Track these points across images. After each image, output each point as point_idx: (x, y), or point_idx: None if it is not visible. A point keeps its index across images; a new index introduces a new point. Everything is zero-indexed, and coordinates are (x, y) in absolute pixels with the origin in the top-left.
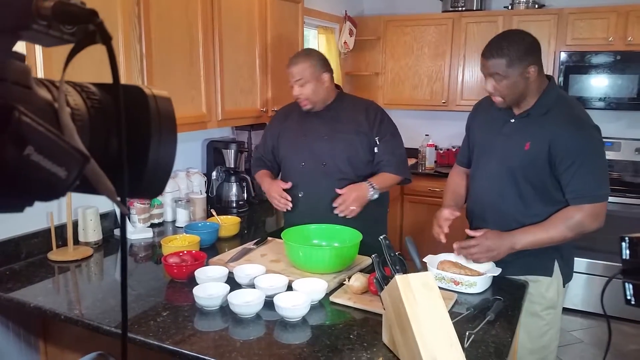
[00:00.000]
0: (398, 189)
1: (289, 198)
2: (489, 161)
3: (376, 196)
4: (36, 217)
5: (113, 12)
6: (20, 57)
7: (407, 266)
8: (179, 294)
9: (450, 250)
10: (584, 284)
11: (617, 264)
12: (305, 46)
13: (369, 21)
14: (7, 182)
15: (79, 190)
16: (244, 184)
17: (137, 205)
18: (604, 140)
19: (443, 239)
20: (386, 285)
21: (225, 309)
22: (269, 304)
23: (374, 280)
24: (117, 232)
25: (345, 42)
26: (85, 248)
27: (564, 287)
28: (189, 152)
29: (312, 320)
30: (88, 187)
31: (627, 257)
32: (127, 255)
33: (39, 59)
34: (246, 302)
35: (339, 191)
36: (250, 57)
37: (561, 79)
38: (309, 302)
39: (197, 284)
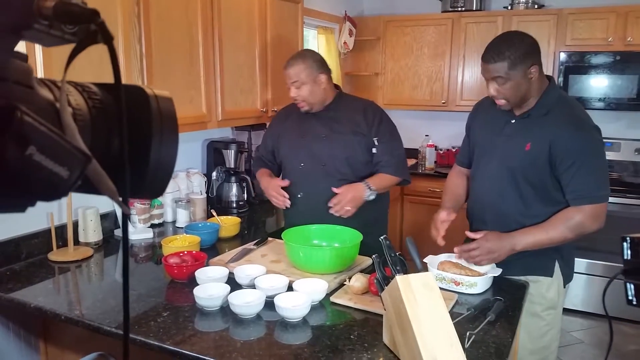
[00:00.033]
0: (398, 190)
1: (287, 195)
2: (489, 161)
3: (372, 197)
4: (36, 217)
5: (113, 12)
6: (22, 57)
7: (408, 266)
8: (180, 294)
9: (451, 251)
10: (584, 284)
11: (617, 265)
12: (305, 46)
13: (369, 21)
14: (9, 182)
15: (80, 190)
16: (244, 184)
17: (137, 206)
18: (604, 140)
19: (440, 242)
20: (387, 285)
21: (225, 310)
22: (269, 304)
23: (375, 281)
24: (117, 232)
25: (345, 42)
26: (85, 248)
27: (564, 287)
28: (189, 152)
29: (313, 320)
30: (90, 187)
31: (629, 258)
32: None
33: (39, 59)
34: (246, 303)
35: (335, 190)
36: (250, 57)
37: (561, 79)
38: (310, 303)
39: (197, 285)
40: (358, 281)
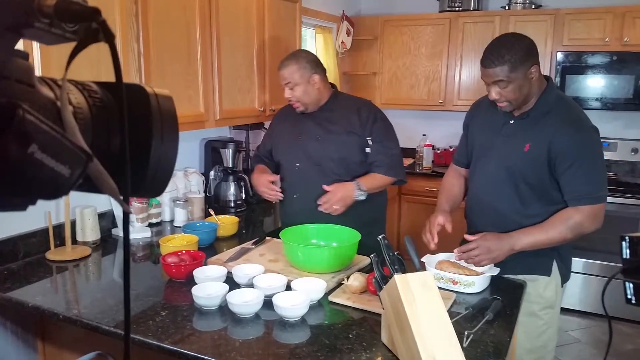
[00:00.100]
0: (395, 189)
1: (277, 189)
2: (487, 162)
3: (363, 197)
4: (34, 216)
5: (111, 11)
6: (23, 55)
7: (406, 266)
8: (178, 293)
9: (448, 250)
10: (581, 284)
11: (615, 264)
12: (303, 45)
13: (367, 21)
14: (10, 181)
15: (81, 189)
16: (242, 183)
17: (135, 205)
18: (601, 140)
19: (432, 247)
20: (385, 285)
21: (224, 309)
22: (267, 303)
23: (373, 280)
24: (115, 231)
25: (342, 42)
26: (83, 247)
27: (562, 286)
28: (186, 151)
29: (311, 320)
30: (90, 185)
31: (628, 257)
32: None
33: (37, 58)
34: (245, 302)
35: (326, 188)
36: (248, 57)
37: (558, 79)
38: (308, 302)
39: (195, 284)
40: (356, 280)
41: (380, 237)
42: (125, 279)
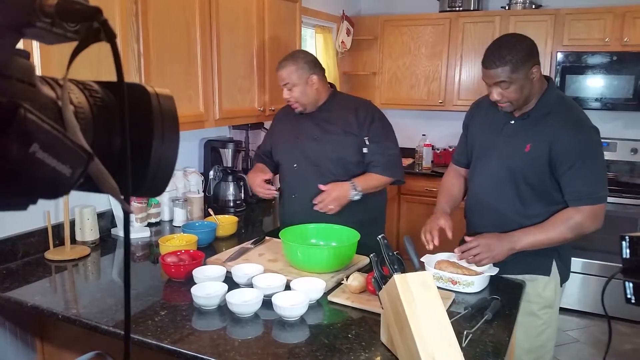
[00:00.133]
0: (395, 189)
1: (271, 187)
2: (488, 162)
3: (358, 197)
4: (33, 216)
5: (111, 11)
6: (25, 55)
7: (406, 266)
8: (177, 293)
9: (448, 250)
10: (580, 283)
11: (614, 264)
12: (303, 45)
13: (367, 21)
14: (11, 180)
15: (82, 189)
16: (242, 183)
17: (134, 205)
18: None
19: (431, 247)
20: (384, 284)
21: (223, 309)
22: (267, 303)
23: (372, 280)
24: (114, 231)
25: (342, 42)
26: (82, 247)
27: (561, 286)
28: (186, 151)
29: (310, 319)
30: (91, 185)
31: (627, 256)
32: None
33: (37, 58)
34: (244, 302)
35: (321, 187)
36: (248, 57)
37: (558, 79)
38: (307, 302)
39: (195, 284)
40: (356, 280)
41: (379, 237)
42: (125, 279)
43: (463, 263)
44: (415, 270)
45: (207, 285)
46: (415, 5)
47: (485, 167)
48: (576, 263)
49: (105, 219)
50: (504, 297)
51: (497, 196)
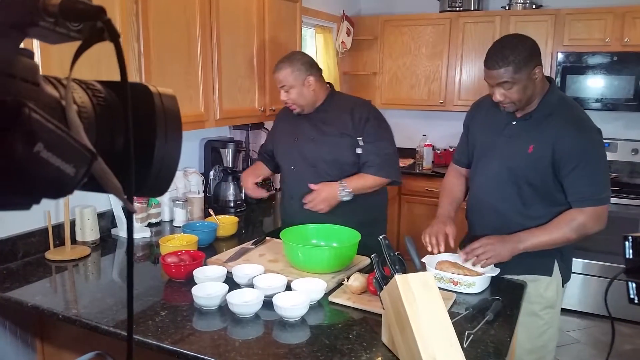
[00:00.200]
0: (395, 189)
1: (261, 190)
2: (489, 162)
3: (348, 198)
4: (33, 216)
5: (111, 10)
6: (29, 54)
7: (407, 266)
8: (177, 293)
9: (449, 250)
10: (581, 284)
11: (615, 265)
12: (303, 45)
13: (367, 21)
14: (15, 180)
15: (85, 188)
16: (242, 183)
17: (135, 205)
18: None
19: (435, 252)
20: (386, 285)
21: (223, 309)
22: (267, 303)
23: (374, 280)
24: (114, 231)
25: (342, 42)
26: (82, 247)
27: (562, 286)
28: (186, 151)
29: (311, 320)
30: (94, 185)
31: (630, 257)
32: (133, 254)
33: (37, 57)
34: (245, 302)
35: (311, 186)
36: (248, 56)
37: (558, 79)
38: (308, 302)
39: (195, 284)
40: (356, 281)
41: (381, 237)
42: (128, 279)
43: (468, 265)
44: (417, 270)
45: (207, 286)
46: (415, 5)
47: (486, 168)
48: (577, 264)
49: (105, 219)
50: (505, 297)
51: (499, 197)
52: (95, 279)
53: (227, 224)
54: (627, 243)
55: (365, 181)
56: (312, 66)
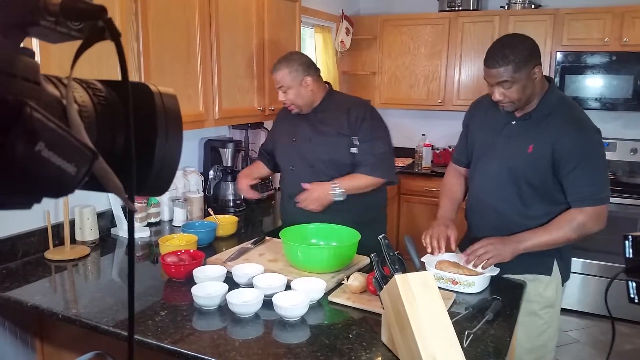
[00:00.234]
0: (395, 189)
1: (254, 192)
2: (489, 162)
3: (341, 198)
4: (33, 215)
5: (111, 10)
6: (30, 53)
7: (406, 266)
8: (177, 293)
9: (449, 250)
10: (580, 284)
11: (614, 264)
12: (302, 45)
13: (366, 20)
14: (17, 179)
15: (86, 188)
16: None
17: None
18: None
19: (436, 255)
20: (385, 284)
21: (223, 309)
22: (267, 303)
23: (373, 280)
24: (113, 231)
25: (342, 41)
26: (82, 247)
27: (562, 286)
28: (185, 151)
29: (311, 319)
30: (95, 184)
31: (630, 256)
32: (134, 253)
33: (37, 57)
34: (245, 302)
35: (304, 186)
36: (248, 56)
37: (557, 79)
38: (308, 302)
39: (195, 284)
40: (356, 280)
41: (380, 236)
42: (129, 278)
43: (468, 265)
44: (416, 270)
45: (207, 285)
46: (414, 4)
47: (486, 168)
48: (576, 263)
49: (105, 218)
50: (504, 297)
51: (498, 197)
52: (94, 279)
53: (226, 223)
54: (627, 242)
55: (359, 181)
56: (309, 66)
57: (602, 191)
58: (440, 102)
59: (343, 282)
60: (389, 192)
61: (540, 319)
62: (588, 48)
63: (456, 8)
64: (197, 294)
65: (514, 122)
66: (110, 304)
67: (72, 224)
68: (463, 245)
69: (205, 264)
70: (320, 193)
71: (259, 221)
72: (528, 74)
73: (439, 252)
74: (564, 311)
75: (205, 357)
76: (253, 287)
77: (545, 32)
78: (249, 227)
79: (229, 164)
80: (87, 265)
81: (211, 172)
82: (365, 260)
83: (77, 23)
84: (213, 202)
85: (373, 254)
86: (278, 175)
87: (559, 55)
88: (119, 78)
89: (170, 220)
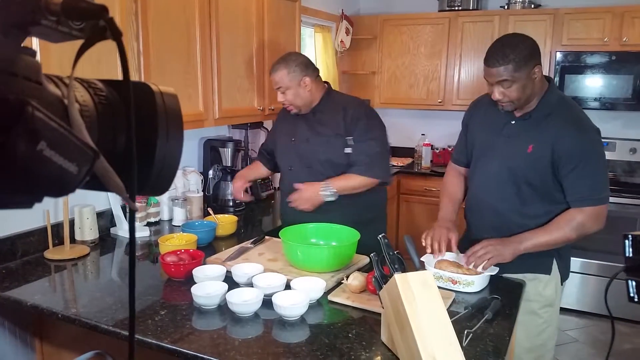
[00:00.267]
0: (394, 189)
1: (246, 195)
2: (488, 162)
3: (333, 198)
4: (32, 215)
5: (111, 9)
6: (31, 53)
7: (406, 265)
8: (177, 292)
9: (449, 249)
10: (579, 283)
11: (613, 264)
12: (302, 44)
13: (366, 20)
14: (18, 178)
15: (87, 187)
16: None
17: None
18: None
19: (435, 257)
20: (385, 284)
21: (223, 308)
22: (267, 302)
23: (373, 279)
24: (113, 230)
25: (341, 41)
26: (81, 247)
27: (561, 285)
28: (185, 150)
29: (311, 319)
30: (96, 183)
31: (630, 255)
32: (135, 252)
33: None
34: (244, 301)
35: (296, 186)
36: (248, 56)
37: (557, 79)
38: (307, 301)
39: (194, 283)
40: (356, 280)
41: (380, 236)
42: (130, 277)
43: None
44: (416, 269)
45: (207, 285)
46: (414, 4)
47: (485, 167)
48: (575, 263)
49: (104, 218)
50: (504, 296)
51: (498, 196)
52: (94, 278)
53: (226, 223)
54: (627, 242)
55: (352, 181)
56: (307, 66)
57: (601, 191)
58: (439, 102)
59: (343, 281)
60: (389, 192)
61: (539, 318)
62: (588, 48)
63: (456, 8)
64: (196, 294)
65: (513, 122)
66: (109, 303)
67: (71, 223)
68: (462, 245)
69: (204, 264)
70: (311, 193)
71: (259, 221)
72: (528, 74)
73: (440, 255)
74: (563, 310)
75: (205, 356)
76: (253, 287)
77: (545, 32)
78: (249, 227)
79: (229, 164)
80: (86, 264)
81: (211, 172)
82: (364, 260)
83: (78, 22)
84: (213, 202)
85: (373, 253)
86: (278, 175)
87: (558, 55)
88: (119, 77)
89: (170, 220)
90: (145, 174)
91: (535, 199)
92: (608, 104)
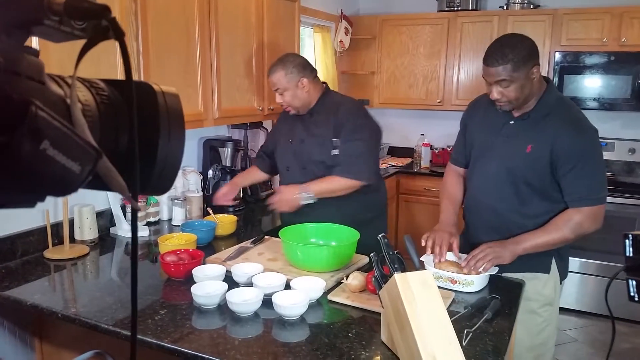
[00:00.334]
0: (394, 188)
1: (226, 200)
2: (487, 162)
3: (311, 201)
4: (32, 215)
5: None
6: (34, 52)
7: (406, 265)
8: (177, 292)
9: (448, 249)
10: (578, 283)
11: (612, 264)
12: (301, 45)
13: (365, 20)
14: (22, 177)
15: (90, 186)
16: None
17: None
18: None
19: (436, 261)
20: (385, 283)
21: (223, 308)
22: (267, 302)
23: (373, 279)
24: (112, 230)
25: (341, 41)
26: (81, 246)
27: (560, 284)
28: (185, 150)
29: (310, 318)
30: (99, 183)
31: (631, 254)
32: (137, 252)
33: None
34: (244, 301)
35: (276, 188)
36: (247, 56)
37: (556, 79)
38: (307, 301)
39: (194, 283)
40: (355, 279)
41: (380, 236)
42: (132, 277)
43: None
44: (416, 269)
45: (206, 284)
46: (413, 4)
47: (484, 167)
48: (574, 263)
49: (104, 217)
50: (503, 296)
51: (497, 197)
52: (94, 278)
53: (226, 222)
54: (627, 241)
55: (332, 184)
56: (305, 68)
57: (599, 191)
58: (439, 102)
59: (342, 281)
60: (388, 191)
61: (539, 317)
62: (586, 48)
63: (455, 8)
64: (196, 293)
65: (512, 122)
66: (109, 303)
67: (71, 223)
68: (460, 244)
69: (204, 263)
70: (288, 195)
71: (258, 220)
72: (526, 74)
73: (441, 259)
74: (563, 310)
75: (205, 356)
76: (252, 286)
77: (544, 32)
78: (248, 227)
79: (228, 164)
80: (86, 264)
81: (210, 172)
82: (364, 260)
83: (80, 22)
84: (212, 202)
85: (372, 253)
86: (277, 175)
87: (557, 56)
88: (119, 77)
89: (170, 220)
90: (147, 174)
91: (534, 198)
92: (607, 105)
